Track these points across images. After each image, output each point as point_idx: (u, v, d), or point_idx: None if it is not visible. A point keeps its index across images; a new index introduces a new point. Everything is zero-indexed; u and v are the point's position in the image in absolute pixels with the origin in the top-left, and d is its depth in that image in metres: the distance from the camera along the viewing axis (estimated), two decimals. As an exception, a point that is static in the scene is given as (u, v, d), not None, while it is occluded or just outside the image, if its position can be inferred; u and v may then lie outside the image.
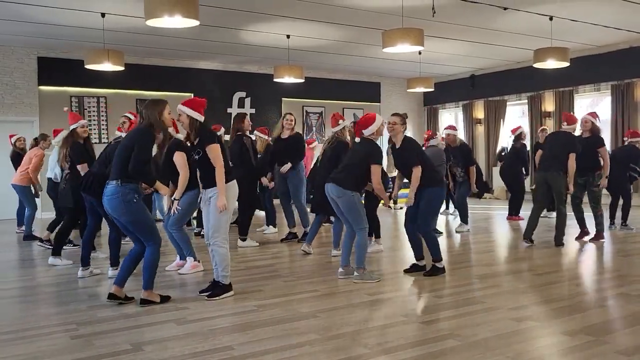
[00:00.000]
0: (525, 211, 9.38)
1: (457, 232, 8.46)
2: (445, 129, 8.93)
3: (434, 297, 4.74)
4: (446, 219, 10.16)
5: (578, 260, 6.44)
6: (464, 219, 8.54)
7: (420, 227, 5.50)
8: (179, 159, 5.40)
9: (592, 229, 7.46)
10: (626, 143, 8.59)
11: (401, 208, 11.97)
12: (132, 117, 6.54)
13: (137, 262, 4.66)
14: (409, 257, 6.33)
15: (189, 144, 4.94)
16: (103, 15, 8.97)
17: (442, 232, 8.38)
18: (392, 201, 6.66)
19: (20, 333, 3.89)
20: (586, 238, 7.43)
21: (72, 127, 6.17)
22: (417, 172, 5.35)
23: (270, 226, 8.73)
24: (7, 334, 3.89)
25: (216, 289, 4.77)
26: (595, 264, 6.32)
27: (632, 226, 8.23)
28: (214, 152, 4.67)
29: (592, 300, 4.67)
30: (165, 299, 4.66)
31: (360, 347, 3.51)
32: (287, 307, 4.47)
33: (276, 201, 8.55)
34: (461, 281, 5.38)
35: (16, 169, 8.61)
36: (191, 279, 5.56)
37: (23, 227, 8.64)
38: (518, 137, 9.75)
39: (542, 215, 7.46)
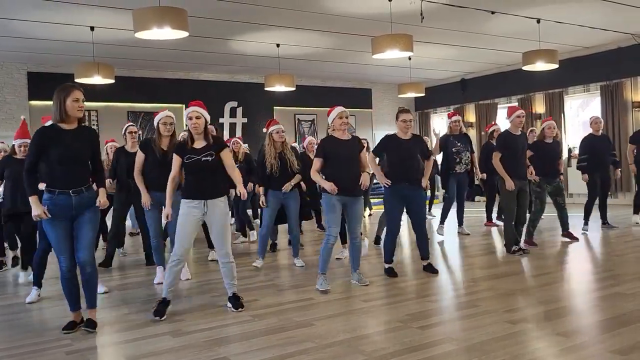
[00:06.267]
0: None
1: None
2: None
3: (429, 301, 4.74)
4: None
5: (571, 261, 6.45)
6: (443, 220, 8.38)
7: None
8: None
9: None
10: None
11: (370, 215, 11.40)
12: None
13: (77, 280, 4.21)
14: (404, 263, 6.36)
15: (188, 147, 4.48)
16: (92, 28, 9.00)
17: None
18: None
19: (14, 350, 3.85)
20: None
21: (13, 142, 5.96)
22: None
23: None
24: (1, 351, 3.86)
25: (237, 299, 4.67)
26: (588, 264, 6.34)
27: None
28: (230, 157, 4.53)
29: (586, 301, 4.69)
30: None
31: (356, 354, 3.50)
32: (282, 316, 4.46)
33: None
34: (455, 285, 5.41)
35: None
36: (184, 290, 5.54)
37: None
38: (491, 134, 9.20)
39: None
